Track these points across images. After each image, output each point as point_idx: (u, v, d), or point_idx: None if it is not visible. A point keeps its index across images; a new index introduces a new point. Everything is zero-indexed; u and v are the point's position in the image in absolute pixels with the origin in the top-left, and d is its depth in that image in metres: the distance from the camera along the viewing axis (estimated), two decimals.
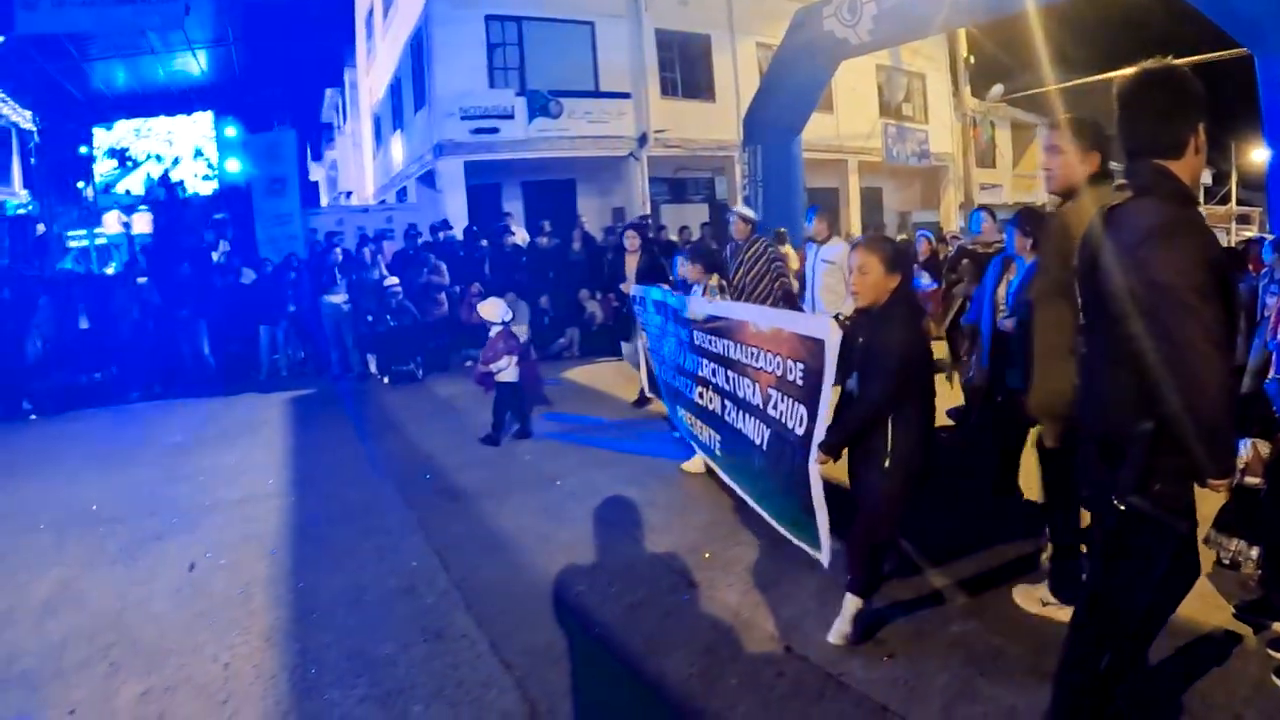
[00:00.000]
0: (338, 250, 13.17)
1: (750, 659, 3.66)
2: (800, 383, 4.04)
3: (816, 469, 3.79)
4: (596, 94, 18.89)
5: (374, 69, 24.56)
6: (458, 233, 14.67)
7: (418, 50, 19.08)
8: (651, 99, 19.34)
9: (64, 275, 15.49)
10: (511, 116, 17.96)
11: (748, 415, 4.72)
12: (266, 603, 4.67)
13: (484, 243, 14.32)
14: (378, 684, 3.70)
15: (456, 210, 16.82)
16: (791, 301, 7.87)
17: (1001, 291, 5.27)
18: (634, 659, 3.64)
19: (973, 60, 24.27)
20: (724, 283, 6.31)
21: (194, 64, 18.52)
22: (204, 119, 19.72)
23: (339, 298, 12.39)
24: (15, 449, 9.42)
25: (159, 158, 20.24)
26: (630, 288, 8.19)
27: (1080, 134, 3.42)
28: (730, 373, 4.97)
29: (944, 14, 13.74)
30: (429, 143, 18.34)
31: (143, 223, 18.60)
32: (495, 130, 17.81)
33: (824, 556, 3.84)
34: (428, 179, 18.64)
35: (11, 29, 15.32)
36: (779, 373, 4.28)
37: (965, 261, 8.01)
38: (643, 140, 19.08)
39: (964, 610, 3.99)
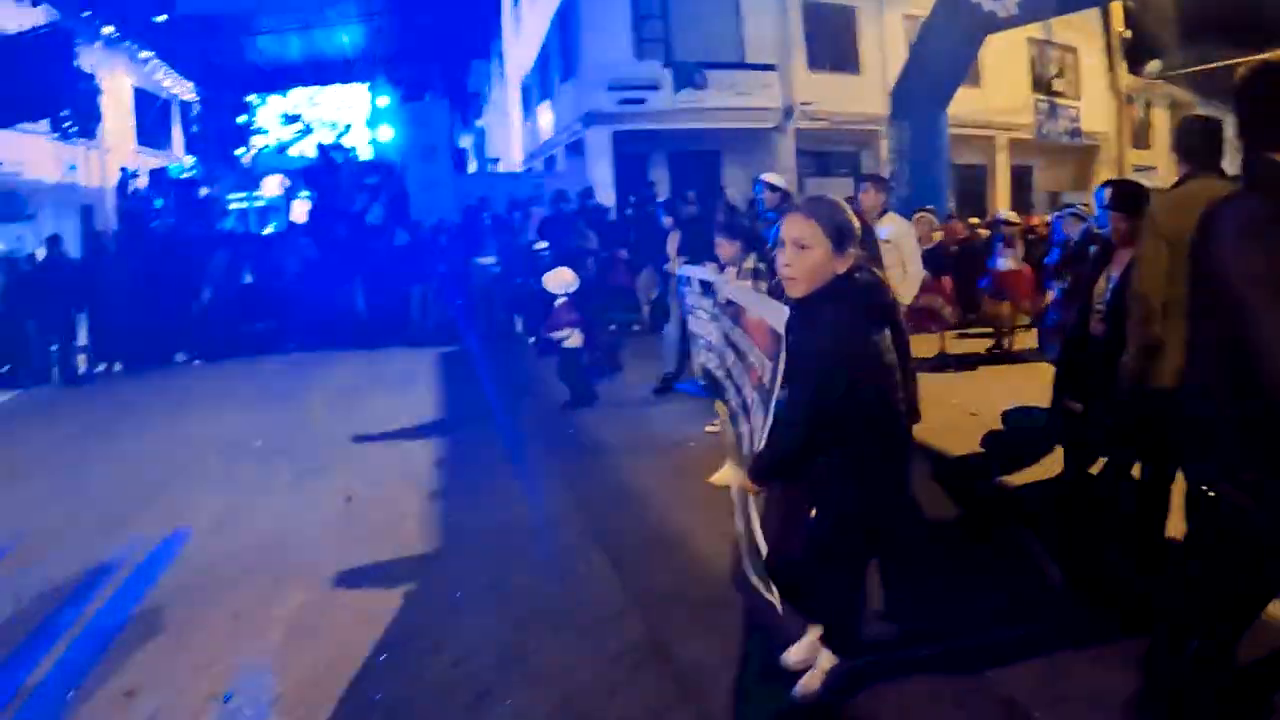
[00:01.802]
0: (488, 215, 13.35)
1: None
2: (767, 385, 3.21)
3: (745, 497, 3.33)
4: (742, 65, 18.74)
5: (521, 40, 24.77)
6: (604, 200, 14.76)
7: (566, 22, 19.24)
8: (797, 71, 19.09)
9: (231, 234, 16.16)
10: (658, 88, 17.96)
11: (743, 420, 3.93)
12: (418, 533, 5.03)
13: (629, 211, 14.36)
14: (515, 610, 3.91)
15: (604, 179, 16.96)
16: None
17: (1101, 285, 4.47)
18: (758, 610, 3.55)
19: (1129, 34, 23.13)
20: (761, 264, 5.71)
21: (347, 37, 19.02)
22: (359, 89, 20.30)
23: (489, 260, 12.57)
24: (185, 389, 10.44)
25: (333, 124, 20.97)
26: (675, 267, 7.80)
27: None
28: (738, 368, 4.29)
29: None
30: (578, 113, 18.52)
31: (277, 186, 19.22)
32: (642, 101, 17.86)
33: (774, 598, 3.14)
34: (576, 148, 18.81)
35: (174, 7, 15.89)
36: (759, 371, 3.52)
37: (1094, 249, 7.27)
38: (788, 113, 18.87)
39: None
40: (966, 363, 9.58)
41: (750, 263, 5.80)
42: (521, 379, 8.98)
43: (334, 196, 16.41)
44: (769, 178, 7.58)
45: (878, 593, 3.57)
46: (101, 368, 12.58)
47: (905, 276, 6.45)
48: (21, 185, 18.03)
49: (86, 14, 17.91)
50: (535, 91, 23.87)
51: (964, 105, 17.27)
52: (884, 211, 6.67)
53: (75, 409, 10.25)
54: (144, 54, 19.68)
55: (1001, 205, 20.35)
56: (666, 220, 9.19)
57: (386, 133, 18.94)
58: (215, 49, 19.56)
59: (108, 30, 18.51)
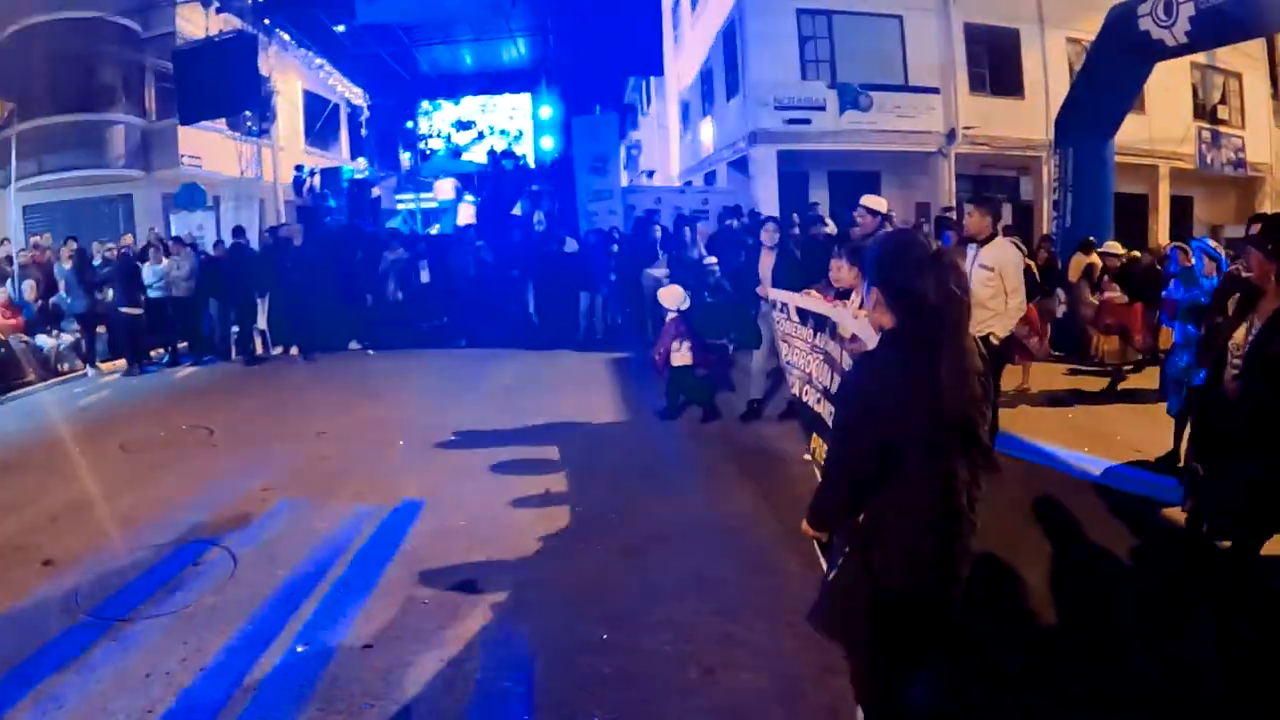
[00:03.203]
0: (658, 227, 13.61)
1: None
2: None
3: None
4: (905, 88, 18.74)
5: (681, 56, 25.20)
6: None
7: (730, 41, 19.51)
8: (960, 94, 18.95)
9: (409, 233, 16.83)
10: (823, 108, 18.13)
11: None
12: (616, 524, 5.29)
13: (795, 230, 14.46)
14: (713, 600, 4.12)
15: (767, 196, 17.15)
16: None
17: (1240, 335, 3.96)
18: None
19: None
20: None
21: (513, 50, 19.61)
22: (527, 99, 20.90)
23: (660, 271, 12.84)
24: (362, 376, 11.13)
25: (504, 132, 21.60)
26: (768, 291, 7.23)
27: None
28: None
29: (1274, 17, 12.83)
30: (742, 130, 18.75)
31: (448, 190, 19.88)
32: (808, 121, 17.96)
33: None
34: (739, 164, 19.06)
35: (353, 17, 16.58)
36: None
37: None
38: (950, 136, 18.78)
39: None
40: (1056, 400, 9.04)
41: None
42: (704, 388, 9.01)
43: (503, 201, 16.95)
44: (868, 201, 7.32)
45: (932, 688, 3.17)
46: (278, 351, 13.34)
47: (1005, 307, 6.04)
48: (202, 178, 19.04)
49: (266, 21, 18.77)
50: (695, 106, 24.16)
51: (1126, 132, 16.85)
52: (991, 236, 6.24)
53: (258, 387, 11.02)
54: (317, 60, 20.59)
55: (1163, 237, 19.93)
56: (766, 236, 8.41)
57: (548, 142, 19.45)
58: (387, 57, 20.33)
59: (285, 37, 19.36)
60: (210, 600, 4.40)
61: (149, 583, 4.68)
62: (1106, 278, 10.06)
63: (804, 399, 5.23)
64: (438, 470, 6.61)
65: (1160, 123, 20.21)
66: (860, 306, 4.65)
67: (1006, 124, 19.13)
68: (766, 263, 7.89)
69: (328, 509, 5.72)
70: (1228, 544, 3.89)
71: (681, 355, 7.97)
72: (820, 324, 5.03)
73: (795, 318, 5.88)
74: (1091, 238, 12.61)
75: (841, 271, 5.23)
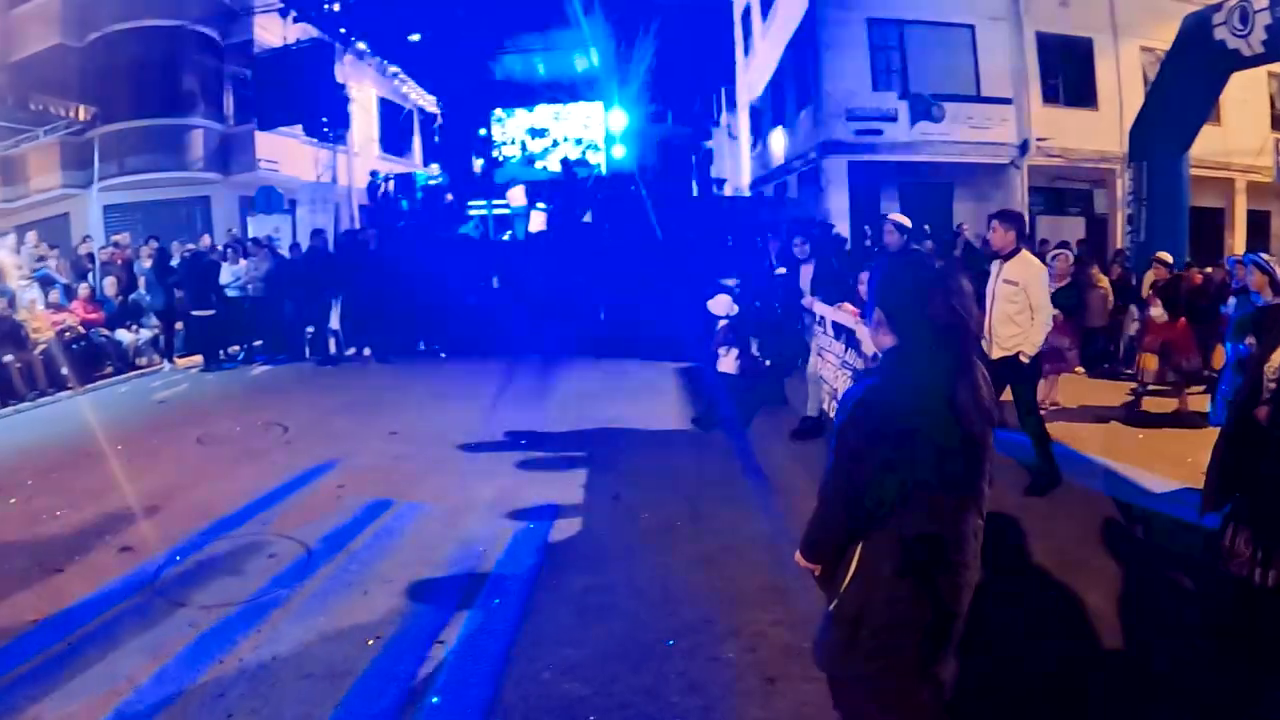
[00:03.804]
0: (730, 238, 13.70)
1: None
2: None
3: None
4: (978, 99, 18.67)
5: (752, 65, 25.22)
6: (841, 230, 15.01)
7: (801, 51, 19.56)
8: (1033, 105, 18.82)
9: (482, 240, 17.15)
10: (895, 119, 18.13)
11: None
12: (685, 533, 5.34)
13: (868, 242, 14.57)
14: (792, 609, 4.10)
15: (839, 208, 17.20)
16: None
17: (1276, 361, 3.86)
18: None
19: None
20: None
21: (586, 59, 19.87)
22: (599, 108, 21.12)
23: (730, 281, 12.95)
24: (435, 378, 11.41)
25: (578, 140, 21.85)
26: (812, 302, 7.26)
27: None
28: None
29: None
30: (813, 141, 18.80)
31: (520, 197, 20.19)
32: (880, 132, 18.01)
33: None
34: (810, 175, 19.12)
35: (427, 27, 16.91)
36: None
37: None
38: (1023, 148, 18.66)
39: None
40: (1092, 416, 8.77)
41: None
42: (761, 398, 8.85)
43: (575, 210, 17.20)
44: (895, 217, 7.22)
45: None
46: (351, 351, 13.59)
47: (1031, 324, 5.85)
48: (279, 181, 19.51)
49: (343, 30, 19.15)
50: (766, 116, 24.16)
51: (1201, 144, 16.45)
52: (1015, 251, 6.02)
53: (331, 386, 11.23)
54: (392, 68, 20.99)
55: (1239, 252, 19.61)
56: (799, 249, 8.19)
57: (622, 150, 19.68)
58: (460, 66, 20.66)
59: (360, 46, 19.75)
60: (284, 592, 4.54)
61: (225, 573, 4.85)
62: (1150, 293, 9.73)
63: (831, 415, 5.13)
64: (507, 473, 6.72)
65: (1237, 134, 19.66)
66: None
67: (1080, 135, 18.92)
68: (806, 275, 7.93)
69: (401, 508, 5.85)
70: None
71: (726, 363, 8.05)
72: (852, 340, 5.11)
73: (830, 331, 5.98)
74: (1164, 253, 12.30)
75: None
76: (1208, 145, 17.36)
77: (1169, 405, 8.94)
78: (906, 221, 7.26)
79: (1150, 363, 9.13)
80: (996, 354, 5.85)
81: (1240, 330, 6.75)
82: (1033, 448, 6.00)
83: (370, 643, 3.98)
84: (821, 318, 6.44)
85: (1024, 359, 5.83)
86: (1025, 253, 6.07)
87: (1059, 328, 9.01)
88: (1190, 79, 14.84)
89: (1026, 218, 17.69)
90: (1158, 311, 9.24)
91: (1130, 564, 4.75)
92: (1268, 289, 6.29)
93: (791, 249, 8.35)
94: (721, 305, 8.24)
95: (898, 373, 2.26)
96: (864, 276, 5.22)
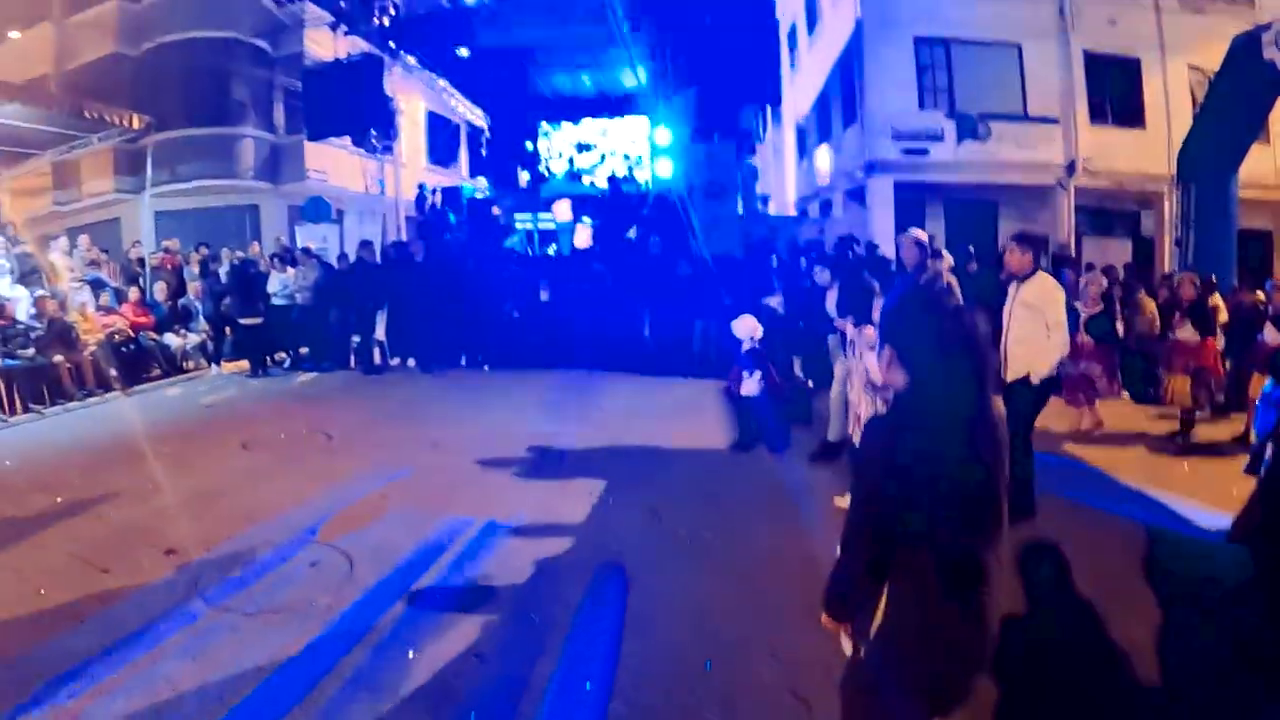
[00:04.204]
0: (774, 257, 13.65)
1: None
2: None
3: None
4: (1024, 118, 18.47)
5: (798, 82, 25.27)
6: (887, 252, 14.90)
7: (848, 69, 19.50)
8: (1080, 125, 18.58)
9: (526, 255, 17.31)
10: (941, 138, 18.00)
11: None
12: (726, 551, 5.29)
13: None
14: (817, 632, 3.91)
15: (884, 228, 17.08)
16: None
17: None
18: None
19: None
20: None
21: (632, 75, 20.01)
22: (645, 123, 21.24)
23: (775, 300, 12.92)
24: (479, 390, 11.45)
25: (626, 155, 21.99)
26: (844, 324, 6.93)
27: None
28: None
29: None
30: (859, 160, 18.71)
31: (566, 211, 20.33)
32: (925, 152, 17.91)
33: None
34: (855, 194, 19.05)
35: (475, 42, 17.12)
36: None
37: None
38: (1070, 168, 18.44)
39: None
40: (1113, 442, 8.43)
41: None
42: (797, 418, 8.74)
43: (620, 225, 17.28)
44: (913, 232, 6.98)
45: None
46: (396, 361, 13.76)
47: (1046, 345, 5.71)
48: (328, 192, 19.82)
49: (392, 44, 19.43)
50: (812, 134, 24.14)
51: (1250, 165, 15.96)
52: (1032, 272, 5.93)
53: (376, 395, 11.32)
54: (440, 82, 21.26)
55: None
56: (821, 276, 8.20)
57: (667, 166, 19.77)
58: (507, 80, 20.89)
59: (410, 60, 20.02)
60: (325, 600, 4.59)
61: (268, 578, 4.92)
62: (1178, 314, 9.25)
63: (855, 440, 5.09)
64: (547, 487, 6.74)
65: None
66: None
67: (1127, 156, 18.62)
68: (831, 299, 7.76)
69: (442, 519, 5.87)
70: None
71: (749, 386, 7.92)
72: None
73: (858, 355, 5.83)
74: (1214, 278, 12.10)
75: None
76: (1257, 166, 17.00)
77: (1220, 432, 8.70)
78: (924, 236, 7.01)
79: (1181, 385, 8.77)
80: (1011, 377, 5.76)
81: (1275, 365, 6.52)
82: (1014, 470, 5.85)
83: (411, 654, 4.02)
84: (850, 340, 6.29)
85: (1033, 379, 5.70)
86: (1042, 274, 5.97)
87: (1090, 354, 9.01)
88: (1239, 99, 14.56)
89: (1073, 239, 17.64)
90: (1186, 333, 8.91)
91: (1171, 595, 4.65)
92: None
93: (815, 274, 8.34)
94: (744, 328, 8.18)
95: (913, 413, 2.16)
96: (880, 304, 5.05)
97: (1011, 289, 6.00)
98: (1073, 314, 8.42)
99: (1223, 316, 10.36)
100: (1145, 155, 18.55)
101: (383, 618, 4.40)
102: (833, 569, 2.35)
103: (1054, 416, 8.24)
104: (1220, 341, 9.68)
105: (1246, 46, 14.07)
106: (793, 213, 24.96)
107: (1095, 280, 9.58)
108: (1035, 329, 5.72)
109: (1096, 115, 18.95)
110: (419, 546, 5.42)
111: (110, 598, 4.66)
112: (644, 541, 5.52)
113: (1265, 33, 13.57)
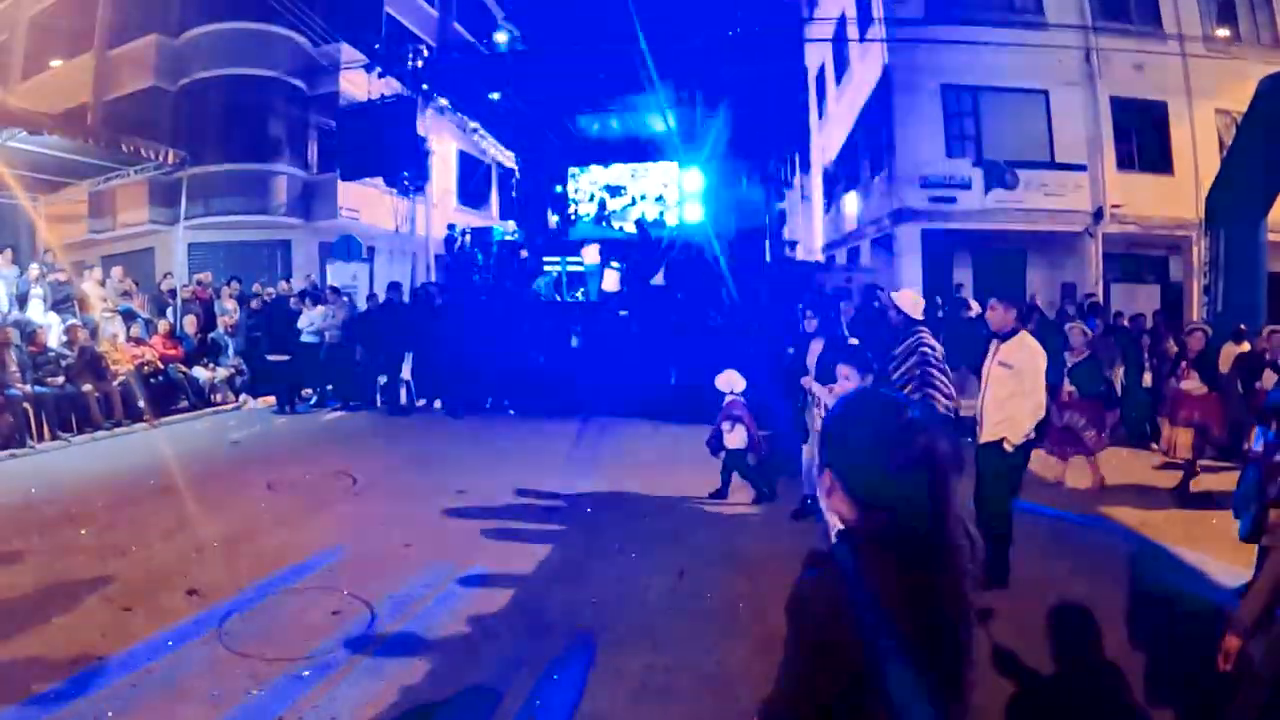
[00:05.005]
0: (801, 306, 13.60)
1: None
2: None
3: None
4: (1052, 165, 18.52)
5: (826, 128, 25.54)
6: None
7: (875, 117, 19.65)
8: (1107, 171, 18.60)
9: (553, 301, 17.41)
10: (969, 186, 18.06)
11: None
12: (754, 615, 5.13)
13: (940, 314, 14.43)
14: None
15: (912, 277, 17.09)
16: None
17: None
18: None
19: None
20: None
21: (664, 121, 20.25)
22: (674, 168, 21.38)
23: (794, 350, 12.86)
24: (503, 436, 11.43)
25: (659, 198, 22.14)
26: (808, 383, 6.69)
27: None
28: None
29: None
30: (886, 207, 18.81)
31: (594, 255, 20.47)
32: (953, 200, 17.95)
33: None
34: (883, 241, 19.10)
35: (507, 86, 17.42)
36: None
37: None
38: (1098, 215, 18.42)
39: None
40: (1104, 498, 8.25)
41: None
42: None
43: (649, 270, 17.36)
44: (899, 298, 6.69)
45: None
46: (422, 403, 13.86)
47: (1020, 408, 5.52)
48: (359, 230, 20.09)
49: (425, 86, 19.75)
50: (840, 181, 24.28)
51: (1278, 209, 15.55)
52: (1014, 331, 5.73)
53: (402, 438, 11.39)
54: (471, 123, 21.57)
55: None
56: (809, 323, 7.59)
57: (697, 211, 19.89)
58: (538, 123, 21.15)
59: (442, 101, 20.34)
60: (345, 653, 4.56)
61: (289, 627, 4.92)
62: (1184, 364, 8.97)
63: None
64: (571, 542, 6.66)
65: None
66: None
67: (1155, 202, 18.61)
68: (814, 351, 7.16)
69: (466, 571, 5.84)
70: None
71: (734, 438, 7.93)
72: None
73: (824, 410, 5.62)
74: (1243, 325, 11.82)
75: (852, 382, 4.67)
76: None
77: (1221, 482, 8.35)
78: (909, 299, 6.62)
79: (1184, 437, 8.56)
80: (984, 439, 5.66)
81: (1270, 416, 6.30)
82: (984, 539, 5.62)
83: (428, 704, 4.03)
84: (818, 397, 6.15)
85: (1007, 446, 5.55)
86: (1024, 334, 5.80)
87: (1075, 406, 8.83)
88: (1267, 143, 14.31)
89: (1100, 286, 17.53)
90: (1191, 384, 8.70)
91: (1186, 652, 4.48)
92: None
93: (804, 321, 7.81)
94: (724, 382, 8.14)
95: (848, 558, 1.67)
96: (843, 370, 4.72)
97: (992, 347, 5.87)
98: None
99: (1224, 366, 10.01)
100: (1173, 200, 18.53)
101: (401, 672, 4.39)
102: None
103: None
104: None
105: (1273, 90, 14.01)
106: (820, 258, 25.01)
107: (1076, 329, 9.27)
108: (1011, 391, 5.59)
109: (1124, 161, 19.00)
110: (440, 598, 5.40)
111: (132, 637, 4.69)
112: (667, 603, 5.44)
113: None
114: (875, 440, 1.67)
